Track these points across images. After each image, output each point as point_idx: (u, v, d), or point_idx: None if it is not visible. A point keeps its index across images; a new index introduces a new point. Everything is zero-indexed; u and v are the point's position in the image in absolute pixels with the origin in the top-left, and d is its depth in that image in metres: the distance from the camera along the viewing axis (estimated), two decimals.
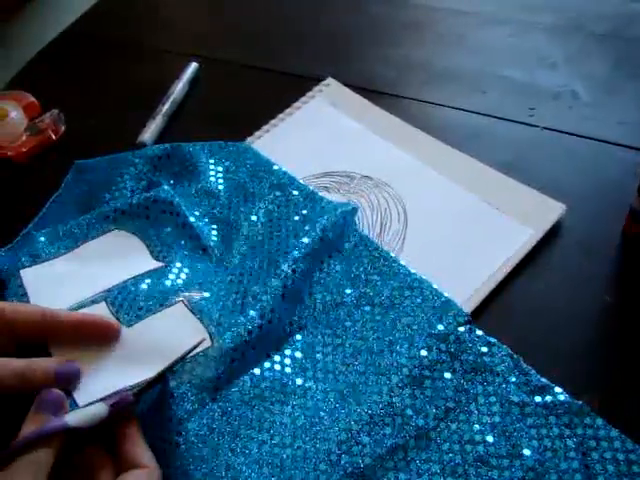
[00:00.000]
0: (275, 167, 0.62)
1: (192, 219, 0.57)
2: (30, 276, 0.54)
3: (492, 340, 0.49)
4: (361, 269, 0.54)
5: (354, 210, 0.58)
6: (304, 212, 0.58)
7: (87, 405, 0.42)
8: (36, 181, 0.66)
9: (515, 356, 0.48)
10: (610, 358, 0.49)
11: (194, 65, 0.74)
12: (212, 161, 0.63)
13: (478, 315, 0.52)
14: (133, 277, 0.53)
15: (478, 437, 0.45)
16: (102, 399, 0.42)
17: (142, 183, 0.61)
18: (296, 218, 0.57)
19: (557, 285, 0.53)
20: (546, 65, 0.71)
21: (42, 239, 0.57)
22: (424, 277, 0.53)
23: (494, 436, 0.45)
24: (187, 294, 0.51)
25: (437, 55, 0.74)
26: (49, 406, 0.40)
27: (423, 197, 0.59)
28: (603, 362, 0.49)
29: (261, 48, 0.78)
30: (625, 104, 0.65)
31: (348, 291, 0.53)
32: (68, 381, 0.43)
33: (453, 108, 0.68)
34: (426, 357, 0.48)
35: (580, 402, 0.46)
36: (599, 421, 0.45)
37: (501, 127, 0.65)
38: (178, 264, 0.54)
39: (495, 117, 0.66)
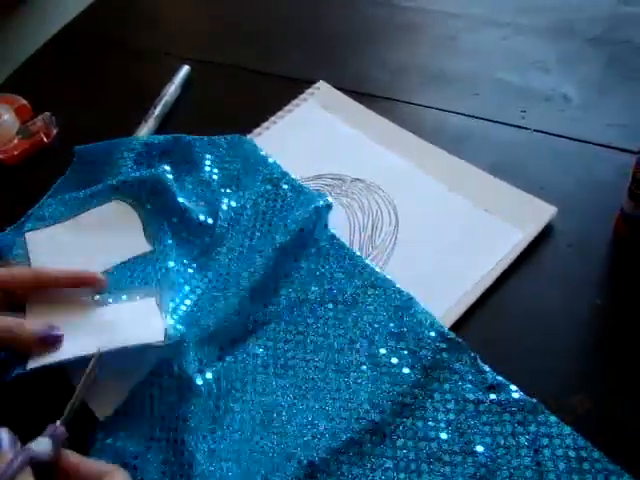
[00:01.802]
0: (270, 160, 0.62)
1: (182, 201, 0.58)
2: (33, 239, 0.56)
3: (451, 336, 0.50)
4: (327, 267, 0.55)
5: (328, 207, 0.57)
6: (291, 206, 0.58)
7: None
8: (28, 184, 0.66)
9: (472, 354, 0.49)
10: (601, 360, 0.49)
11: (186, 68, 0.74)
12: (208, 154, 0.63)
13: (469, 317, 0.52)
14: (122, 262, 0.54)
15: (432, 434, 0.45)
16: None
17: (142, 167, 0.62)
18: (282, 213, 0.58)
19: (548, 287, 0.53)
20: (538, 68, 0.71)
21: (48, 203, 0.59)
22: (388, 276, 0.53)
23: (448, 433, 0.45)
24: (161, 288, 0.52)
25: (429, 58, 0.74)
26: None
27: (414, 200, 0.59)
28: (594, 364, 0.49)
29: (253, 51, 0.78)
30: (616, 107, 0.65)
31: (313, 288, 0.54)
32: (49, 345, 0.48)
33: (444, 111, 0.68)
34: (385, 355, 0.49)
35: (534, 400, 0.46)
36: (552, 418, 0.45)
37: (492, 130, 0.65)
38: (165, 256, 0.55)
39: (486, 120, 0.66)
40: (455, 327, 0.51)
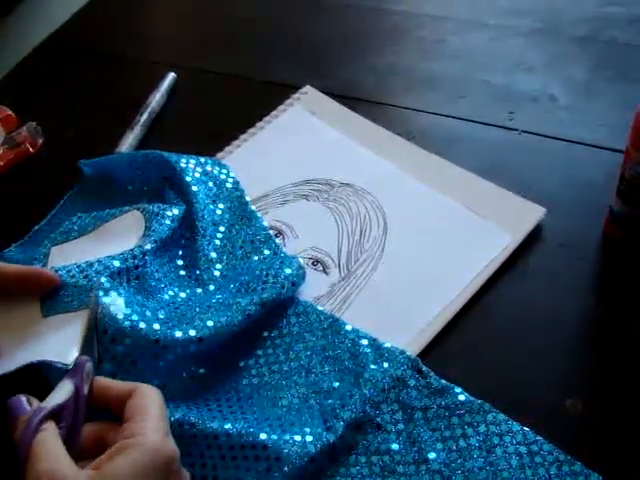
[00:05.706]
0: (255, 219, 0.59)
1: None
2: (57, 253, 0.54)
3: (386, 346, 0.49)
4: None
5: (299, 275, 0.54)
6: (268, 272, 0.53)
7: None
8: (14, 194, 0.66)
9: (413, 357, 0.48)
10: (594, 361, 0.49)
11: (172, 75, 0.74)
12: (196, 184, 0.59)
13: (459, 319, 0.51)
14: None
15: (383, 447, 0.45)
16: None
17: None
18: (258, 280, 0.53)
19: (539, 288, 0.53)
20: (524, 69, 0.71)
21: (78, 216, 0.57)
22: (308, 301, 0.52)
23: (399, 444, 0.45)
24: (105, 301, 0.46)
25: (416, 61, 0.74)
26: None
27: (403, 203, 0.59)
28: (587, 365, 0.49)
29: (239, 57, 0.78)
30: (603, 106, 0.65)
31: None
32: None
33: (432, 114, 0.68)
34: (326, 381, 0.48)
35: (480, 401, 0.46)
36: (500, 417, 0.45)
37: (480, 132, 0.65)
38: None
39: (474, 122, 0.66)
40: (446, 330, 0.51)
